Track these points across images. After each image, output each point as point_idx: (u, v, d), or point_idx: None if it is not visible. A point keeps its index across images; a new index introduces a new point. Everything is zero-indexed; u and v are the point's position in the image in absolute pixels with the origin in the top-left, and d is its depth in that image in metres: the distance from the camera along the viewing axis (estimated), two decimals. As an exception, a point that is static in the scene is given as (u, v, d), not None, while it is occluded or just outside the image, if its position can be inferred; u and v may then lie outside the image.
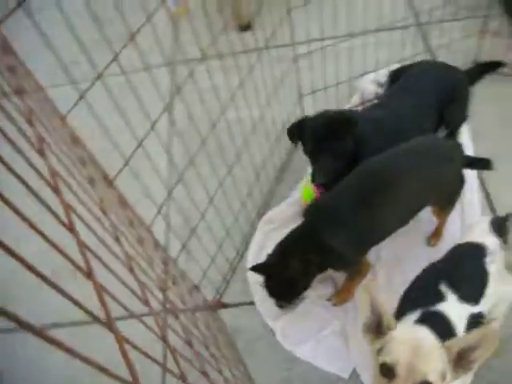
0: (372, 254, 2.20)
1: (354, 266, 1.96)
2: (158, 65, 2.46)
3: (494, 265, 1.60)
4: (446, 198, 2.05)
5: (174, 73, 2.91)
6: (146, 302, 0.80)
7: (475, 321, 1.52)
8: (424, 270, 1.69)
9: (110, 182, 1.16)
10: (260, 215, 2.45)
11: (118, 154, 1.40)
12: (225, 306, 2.22)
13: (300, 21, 2.44)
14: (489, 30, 2.83)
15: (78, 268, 0.56)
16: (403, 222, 1.93)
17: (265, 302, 2.19)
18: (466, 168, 2.06)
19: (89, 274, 0.57)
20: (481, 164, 2.09)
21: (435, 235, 2.26)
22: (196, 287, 2.02)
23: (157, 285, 1.07)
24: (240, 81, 2.03)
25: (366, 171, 1.92)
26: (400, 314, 1.55)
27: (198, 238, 1.99)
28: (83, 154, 1.02)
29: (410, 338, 1.26)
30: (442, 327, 1.42)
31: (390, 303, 2.09)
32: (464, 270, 1.59)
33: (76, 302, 0.52)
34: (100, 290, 0.56)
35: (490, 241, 1.64)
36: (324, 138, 2.04)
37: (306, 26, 2.41)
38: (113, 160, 1.37)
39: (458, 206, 2.19)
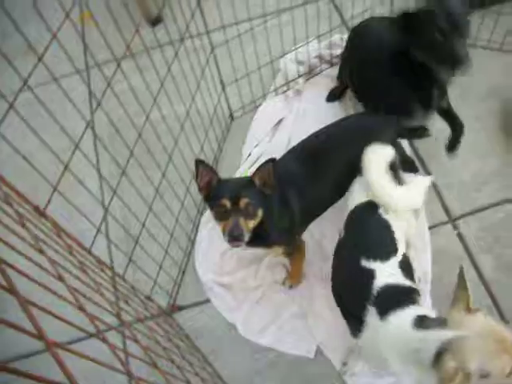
0: (317, 232, 2.27)
1: (292, 243, 2.02)
2: (70, 73, 2.41)
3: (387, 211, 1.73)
4: None
5: (88, 80, 2.84)
6: (100, 333, 0.80)
7: (404, 261, 1.64)
8: (337, 259, 1.78)
9: (41, 213, 1.13)
10: (201, 212, 2.45)
11: (45, 182, 1.36)
12: (180, 308, 2.24)
13: (211, 9, 2.44)
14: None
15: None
16: (340, 193, 2.00)
17: (221, 298, 2.21)
18: (401, 138, 2.14)
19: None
20: (417, 133, 2.17)
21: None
22: (148, 298, 2.01)
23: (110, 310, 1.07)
24: (158, 78, 2.00)
25: (305, 146, 2.00)
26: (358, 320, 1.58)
27: (143, 246, 2.00)
28: (4, 190, 0.99)
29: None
30: (403, 293, 1.49)
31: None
32: (370, 234, 1.70)
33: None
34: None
35: (369, 194, 1.75)
36: None
37: (219, 12, 2.40)
38: (41, 188, 1.34)
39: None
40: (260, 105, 2.80)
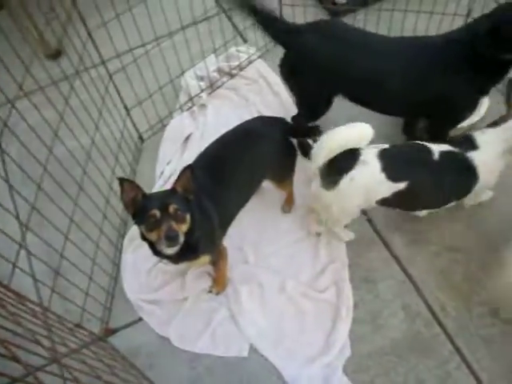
0: (236, 237, 2.42)
1: (215, 249, 2.15)
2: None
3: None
4: (279, 172, 2.35)
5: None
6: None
7: None
8: None
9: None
10: (122, 235, 2.56)
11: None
12: (114, 331, 2.33)
13: (103, 39, 2.55)
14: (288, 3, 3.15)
15: None
16: (247, 194, 2.20)
17: (152, 315, 2.32)
18: (294, 137, 2.33)
19: None
20: (309, 132, 2.37)
21: (287, 203, 2.57)
22: (78, 325, 2.10)
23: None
24: (61, 112, 2.11)
25: (206, 155, 2.16)
26: None
27: (66, 277, 2.09)
28: None
29: None
30: None
31: (261, 275, 2.35)
32: None
33: None
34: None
35: None
36: None
37: (113, 41, 2.52)
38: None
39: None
40: (168, 124, 2.94)
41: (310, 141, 2.60)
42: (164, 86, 2.85)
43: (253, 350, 2.23)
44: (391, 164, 2.02)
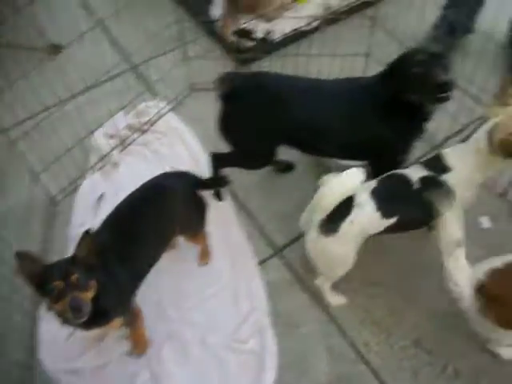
0: (154, 293, 2.40)
1: (127, 311, 2.12)
2: None
3: None
4: (189, 226, 2.36)
5: None
6: None
7: None
8: None
9: None
10: (37, 306, 2.49)
11: None
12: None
13: (4, 106, 2.52)
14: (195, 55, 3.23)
15: None
16: (156, 253, 2.19)
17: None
18: (202, 190, 2.36)
19: None
20: (216, 183, 2.41)
21: (203, 256, 2.59)
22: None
23: None
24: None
25: (114, 214, 2.14)
26: None
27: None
28: None
29: None
30: None
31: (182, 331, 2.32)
32: None
33: None
34: None
35: None
36: None
37: (12, 108, 2.51)
38: None
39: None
40: (80, 185, 2.91)
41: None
42: (72, 148, 2.85)
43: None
44: (384, 202, 2.10)
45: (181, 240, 2.46)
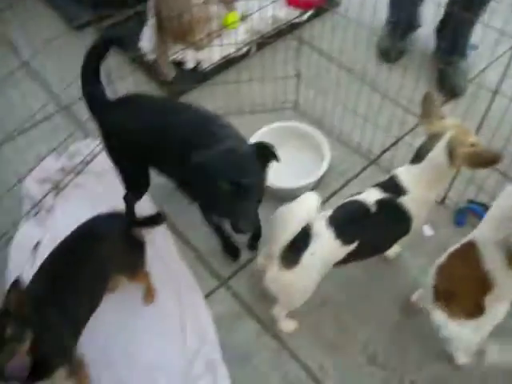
0: (100, 339, 2.34)
1: (69, 360, 2.03)
2: None
3: None
4: (126, 266, 2.31)
5: None
6: None
7: None
8: None
9: None
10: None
11: None
12: None
13: None
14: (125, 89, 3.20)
15: None
16: (96, 300, 2.13)
17: None
18: (139, 228, 2.31)
19: None
20: (151, 221, 2.37)
21: (148, 294, 2.52)
22: None
23: None
24: None
25: (47, 263, 2.09)
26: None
27: None
28: None
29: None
30: None
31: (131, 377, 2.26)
32: None
33: None
34: None
35: None
36: None
37: None
38: None
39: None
40: (13, 236, 2.81)
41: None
42: (2, 198, 2.75)
43: None
44: (342, 228, 2.06)
45: (122, 282, 2.39)
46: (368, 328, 2.42)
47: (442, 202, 2.82)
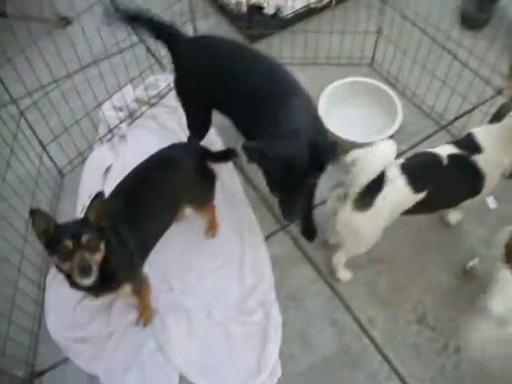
0: (160, 266, 2.45)
1: (135, 278, 2.16)
2: None
3: None
4: (197, 198, 2.40)
5: None
6: None
7: None
8: None
9: None
10: (44, 274, 2.53)
11: None
12: (40, 373, 2.30)
13: (11, 79, 2.53)
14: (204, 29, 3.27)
15: None
16: (165, 222, 2.25)
17: (79, 353, 2.30)
18: (210, 162, 2.38)
19: None
20: (223, 156, 2.43)
21: (210, 228, 2.61)
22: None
23: None
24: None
25: (123, 184, 2.18)
26: None
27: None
28: None
29: None
30: None
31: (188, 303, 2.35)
32: None
33: None
34: None
35: None
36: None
37: (22, 78, 2.52)
38: None
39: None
40: (87, 157, 2.95)
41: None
42: (81, 120, 2.86)
43: (183, 379, 2.24)
44: (413, 176, 2.09)
45: (189, 212, 2.49)
46: (420, 289, 2.46)
47: (510, 176, 2.78)
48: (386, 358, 2.28)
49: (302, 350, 2.30)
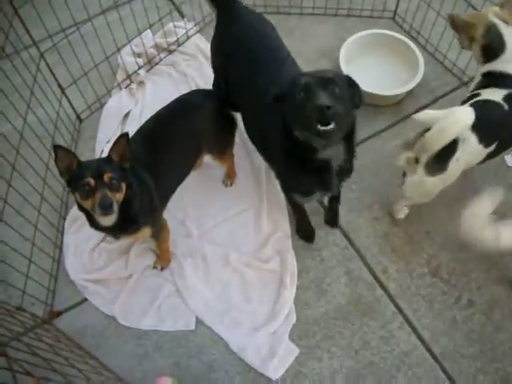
0: (179, 212, 2.46)
1: (155, 222, 2.18)
2: None
3: None
4: (217, 145, 2.39)
5: None
6: None
7: None
8: None
9: None
10: (63, 217, 2.55)
11: None
12: (59, 313, 2.35)
13: (33, 18, 2.50)
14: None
15: None
16: (186, 168, 2.26)
17: (97, 295, 2.34)
18: (228, 111, 2.37)
19: None
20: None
21: (228, 176, 2.62)
22: (20, 309, 2.10)
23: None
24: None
25: (144, 128, 2.19)
26: None
27: (5, 261, 2.12)
28: None
29: None
30: None
31: (205, 248, 2.38)
32: None
33: None
34: None
35: None
36: None
37: (42, 20, 2.50)
38: None
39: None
40: (106, 102, 2.93)
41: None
42: (99, 64, 2.84)
43: (199, 322, 2.28)
44: (484, 134, 2.05)
45: (208, 160, 2.49)
46: (435, 244, 2.46)
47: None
48: (398, 308, 2.30)
49: (317, 299, 2.33)
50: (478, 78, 2.26)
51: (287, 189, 2.27)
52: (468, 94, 2.25)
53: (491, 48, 2.16)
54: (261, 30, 2.27)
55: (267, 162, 2.34)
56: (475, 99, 2.15)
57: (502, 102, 2.08)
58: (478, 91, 2.19)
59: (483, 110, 2.07)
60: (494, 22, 2.12)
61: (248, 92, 2.17)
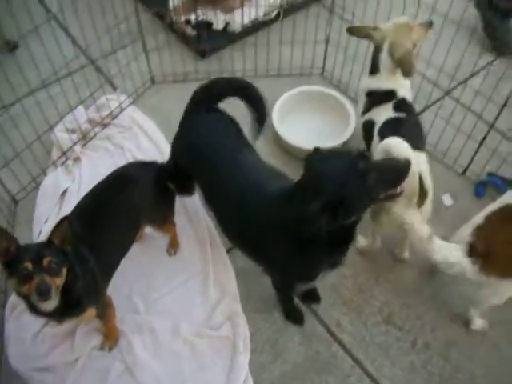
0: (124, 286, 2.41)
1: (99, 301, 2.11)
2: None
3: None
4: (156, 216, 2.37)
5: None
6: None
7: None
8: None
9: None
10: (2, 305, 2.46)
11: None
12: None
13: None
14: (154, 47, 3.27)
15: None
16: (127, 241, 2.21)
17: (42, 382, 2.22)
18: (169, 181, 2.37)
19: None
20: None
21: (172, 245, 2.60)
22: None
23: None
24: None
25: (80, 205, 2.14)
26: None
27: None
28: None
29: None
30: None
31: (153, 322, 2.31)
32: None
33: None
34: None
35: None
36: None
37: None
38: None
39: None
40: (41, 181, 2.89)
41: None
42: (32, 144, 2.81)
43: (155, 401, 2.19)
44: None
45: (150, 230, 2.46)
46: (385, 290, 2.48)
47: (464, 173, 2.86)
48: (356, 360, 2.28)
49: (273, 360, 2.29)
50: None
51: (293, 280, 2.21)
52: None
53: None
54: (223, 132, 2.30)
55: (258, 263, 2.22)
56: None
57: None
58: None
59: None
60: None
61: (223, 197, 2.15)
